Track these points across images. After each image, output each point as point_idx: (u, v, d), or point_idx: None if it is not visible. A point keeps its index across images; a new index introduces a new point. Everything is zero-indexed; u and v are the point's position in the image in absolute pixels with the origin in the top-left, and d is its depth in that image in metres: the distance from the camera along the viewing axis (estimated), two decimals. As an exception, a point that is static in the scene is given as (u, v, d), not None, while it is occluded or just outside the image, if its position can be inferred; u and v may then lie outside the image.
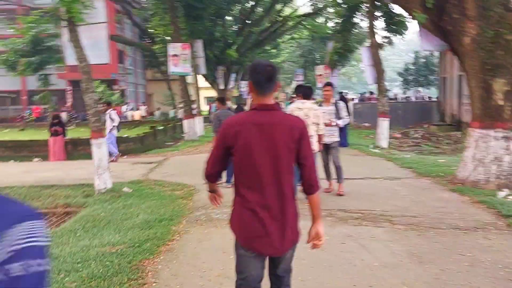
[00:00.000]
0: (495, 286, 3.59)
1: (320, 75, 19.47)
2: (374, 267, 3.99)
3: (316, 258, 4.21)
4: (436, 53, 26.34)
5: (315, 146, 5.94)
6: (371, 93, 29.33)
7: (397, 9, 15.41)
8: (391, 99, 26.19)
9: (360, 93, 35.30)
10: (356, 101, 27.55)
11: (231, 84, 27.52)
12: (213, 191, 2.71)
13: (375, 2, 13.98)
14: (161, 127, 18.61)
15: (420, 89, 35.31)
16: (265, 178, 2.28)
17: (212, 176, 2.52)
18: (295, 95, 7.25)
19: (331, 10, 24.70)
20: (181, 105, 20.99)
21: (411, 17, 8.43)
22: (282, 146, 2.27)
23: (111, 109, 12.08)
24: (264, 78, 2.31)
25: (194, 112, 18.20)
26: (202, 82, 24.78)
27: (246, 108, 22.76)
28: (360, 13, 18.22)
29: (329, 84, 6.95)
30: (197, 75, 18.94)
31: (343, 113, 6.80)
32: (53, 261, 4.22)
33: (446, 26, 7.56)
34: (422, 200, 6.41)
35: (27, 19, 14.83)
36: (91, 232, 5.21)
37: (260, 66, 2.35)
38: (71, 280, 3.77)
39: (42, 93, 21.10)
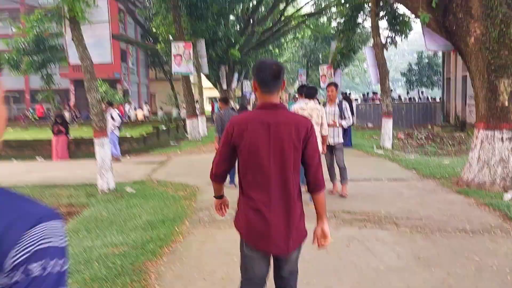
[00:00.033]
0: (503, 290, 3.54)
1: (323, 75, 19.39)
2: (379, 270, 3.94)
3: (321, 260, 4.16)
4: (440, 54, 26.22)
5: (320, 148, 5.89)
6: (375, 93, 29.22)
7: (401, 8, 15.37)
8: (395, 99, 26.10)
9: (363, 94, 35.18)
10: (359, 101, 27.43)
11: (234, 84, 27.48)
12: (219, 196, 2.64)
13: (379, 2, 13.90)
14: (164, 127, 18.58)
15: (423, 89, 35.14)
16: (271, 177, 2.26)
17: (218, 176, 2.47)
18: (298, 95, 7.19)
19: (334, 9, 24.68)
20: (184, 105, 20.97)
21: (415, 16, 8.36)
22: (289, 145, 2.25)
23: (112, 109, 11.98)
24: (269, 77, 2.30)
25: (197, 112, 18.16)
26: (205, 82, 24.73)
27: (249, 108, 22.73)
28: (363, 13, 18.20)
29: (333, 84, 6.89)
30: (199, 74, 18.90)
31: (347, 113, 6.74)
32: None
33: (451, 25, 7.50)
34: (427, 202, 6.35)
35: (30, 18, 14.84)
36: (93, 233, 5.18)
37: (265, 65, 2.33)
38: (74, 281, 3.74)
39: (45, 92, 21.11)
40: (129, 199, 6.95)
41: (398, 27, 14.83)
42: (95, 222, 5.62)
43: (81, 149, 13.51)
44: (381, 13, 14.65)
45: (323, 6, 27.38)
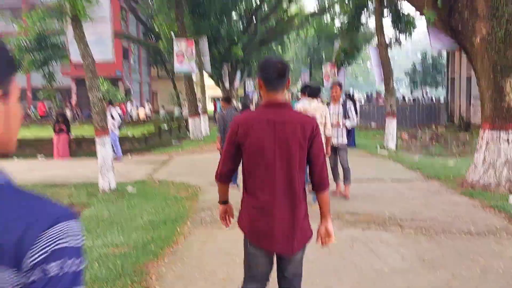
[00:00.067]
0: (510, 294, 3.47)
1: (327, 74, 19.31)
2: (383, 272, 3.87)
3: (324, 261, 4.10)
4: (444, 54, 26.10)
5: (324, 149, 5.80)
6: (378, 93, 29.12)
7: (405, 7, 15.27)
8: (399, 99, 25.99)
9: (367, 93, 35.08)
10: (362, 101, 27.33)
11: (237, 82, 27.42)
12: (224, 201, 2.57)
13: (383, 1, 13.81)
14: (166, 126, 18.53)
15: (427, 89, 35.03)
16: (276, 176, 2.24)
17: (223, 176, 2.43)
18: (301, 94, 7.10)
19: (337, 8, 24.59)
20: (186, 104, 20.92)
21: (420, 15, 8.28)
22: (294, 144, 2.24)
23: (112, 108, 11.87)
24: (275, 75, 2.28)
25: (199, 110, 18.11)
26: (207, 80, 24.68)
27: (252, 107, 22.67)
28: (367, 12, 18.10)
29: (337, 83, 6.80)
30: (202, 73, 18.84)
31: (352, 113, 6.65)
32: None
33: (456, 25, 7.42)
34: (432, 203, 6.28)
35: (32, 16, 14.80)
36: (94, 233, 5.13)
37: (270, 63, 2.31)
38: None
39: (47, 90, 21.08)
40: (130, 199, 6.90)
41: (402, 26, 14.72)
42: (96, 222, 5.57)
43: (82, 148, 13.48)
44: (385, 12, 14.54)
45: (326, 5, 27.29)
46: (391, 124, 13.16)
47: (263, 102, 2.35)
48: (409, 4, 8.77)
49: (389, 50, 14.06)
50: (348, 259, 4.19)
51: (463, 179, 7.55)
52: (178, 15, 16.87)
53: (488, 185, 6.93)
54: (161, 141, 16.15)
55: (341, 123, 6.52)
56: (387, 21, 16.16)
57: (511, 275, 3.78)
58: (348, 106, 6.65)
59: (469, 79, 18.98)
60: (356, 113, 9.11)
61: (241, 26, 26.26)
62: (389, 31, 16.42)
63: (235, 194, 2.51)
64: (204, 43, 18.13)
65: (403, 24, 14.95)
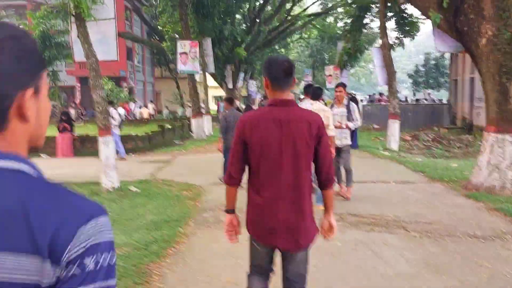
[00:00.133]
0: (517, 300, 3.43)
1: (330, 75, 19.27)
2: (388, 276, 3.83)
3: (327, 264, 4.07)
4: (447, 55, 26.02)
5: None
6: (381, 94, 29.03)
7: (409, 9, 15.23)
8: (401, 101, 25.91)
9: (370, 95, 35.00)
10: (365, 102, 27.26)
11: (240, 83, 27.37)
12: (231, 210, 2.51)
13: (387, 3, 13.76)
14: (169, 126, 18.51)
15: (429, 91, 34.89)
16: (282, 173, 2.25)
17: (233, 177, 2.40)
18: (305, 95, 7.06)
19: (340, 9, 24.53)
20: (189, 104, 20.89)
21: (425, 17, 8.23)
22: (301, 142, 2.24)
23: (112, 108, 11.81)
24: (281, 74, 2.28)
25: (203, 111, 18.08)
26: (210, 81, 24.65)
27: (255, 107, 22.62)
28: (370, 13, 18.06)
29: (341, 84, 6.76)
30: (205, 73, 18.82)
31: (355, 115, 6.60)
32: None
33: (462, 26, 7.36)
34: (436, 206, 6.23)
35: (37, 15, 14.81)
36: (96, 233, 5.10)
37: (277, 62, 2.31)
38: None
39: (51, 89, 21.11)
40: (133, 198, 6.89)
41: (406, 28, 14.67)
42: (98, 222, 5.54)
43: (86, 147, 13.45)
44: (389, 14, 14.50)
45: (330, 6, 27.23)
46: (394, 126, 13.10)
47: (269, 100, 2.35)
48: (413, 6, 8.74)
49: (391, 51, 14.01)
50: (352, 263, 4.16)
51: (467, 181, 7.50)
52: (182, 15, 16.85)
53: (492, 188, 6.88)
54: (164, 141, 16.11)
55: (343, 125, 6.47)
56: (390, 23, 16.10)
57: (518, 280, 3.74)
58: (351, 107, 6.60)
59: (472, 81, 18.90)
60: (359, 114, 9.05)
61: (245, 27, 26.23)
62: (392, 32, 16.34)
63: (243, 194, 2.47)
64: (208, 44, 18.11)
65: (407, 25, 14.91)
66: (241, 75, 27.22)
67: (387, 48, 13.51)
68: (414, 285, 3.66)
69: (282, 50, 35.19)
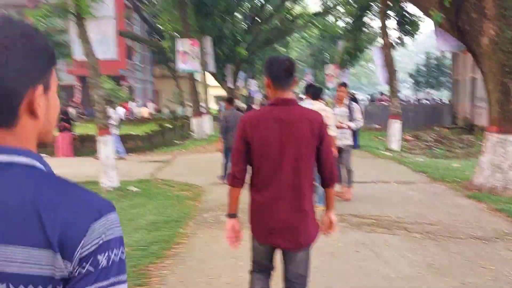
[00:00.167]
0: (520, 302, 3.38)
1: (331, 74, 19.22)
2: (390, 278, 3.79)
3: (329, 266, 4.03)
4: (448, 55, 25.96)
5: None
6: (382, 94, 29.00)
7: (410, 8, 15.17)
8: (402, 100, 25.87)
9: (370, 94, 34.95)
10: (366, 102, 27.21)
11: (240, 82, 27.32)
12: (233, 215, 2.47)
13: (388, 2, 13.71)
14: (169, 125, 18.47)
15: (430, 90, 34.84)
16: (283, 172, 2.25)
17: (237, 177, 2.36)
18: (306, 95, 7.01)
19: (341, 9, 24.47)
20: (189, 103, 20.84)
21: (427, 16, 8.17)
22: (302, 141, 2.24)
23: (110, 107, 11.72)
24: (282, 73, 2.28)
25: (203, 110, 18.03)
26: (211, 80, 24.59)
27: (256, 107, 22.55)
28: (371, 13, 18.01)
29: (343, 84, 6.71)
30: (205, 72, 18.77)
31: (357, 115, 6.54)
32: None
33: (464, 25, 7.31)
34: (438, 207, 6.19)
35: (36, 14, 14.73)
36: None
37: (278, 61, 2.31)
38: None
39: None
40: (133, 198, 6.84)
41: (407, 27, 14.62)
42: (98, 222, 5.50)
43: (85, 146, 13.41)
44: (390, 13, 14.44)
45: (330, 5, 27.16)
46: (395, 126, 13.06)
47: (270, 100, 2.35)
48: (414, 5, 8.69)
49: (392, 50, 13.96)
50: (353, 264, 4.11)
51: (468, 181, 7.46)
52: (182, 14, 16.81)
53: (494, 188, 6.84)
54: (164, 140, 16.08)
55: (345, 125, 6.41)
56: (391, 22, 16.05)
57: (521, 282, 3.69)
58: (353, 107, 6.55)
59: (473, 81, 18.86)
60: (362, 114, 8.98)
61: (245, 26, 26.18)
62: (393, 32, 16.29)
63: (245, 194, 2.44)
64: (208, 43, 18.05)
65: (408, 25, 14.85)
66: (242, 74, 27.18)
67: (388, 48, 13.46)
68: (416, 287, 3.62)
69: (283, 49, 35.12)
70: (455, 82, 22.27)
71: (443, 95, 38.99)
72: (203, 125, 17.48)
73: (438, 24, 7.75)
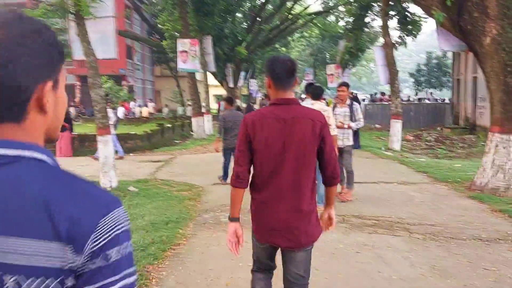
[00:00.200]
0: (525, 305, 3.33)
1: (331, 74, 19.15)
2: (392, 280, 3.74)
3: (330, 268, 3.98)
4: (450, 54, 25.90)
5: None
6: (383, 93, 28.94)
7: (411, 8, 15.11)
8: (403, 100, 25.81)
9: (371, 94, 34.89)
10: (367, 101, 27.16)
11: (241, 82, 27.27)
12: (235, 218, 2.42)
13: (389, 1, 13.64)
14: (169, 125, 18.42)
15: (432, 90, 34.77)
16: (284, 171, 2.24)
17: (240, 177, 2.32)
18: (306, 95, 6.96)
19: (342, 8, 24.41)
20: (189, 103, 20.79)
21: (429, 15, 8.11)
22: (304, 141, 2.24)
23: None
24: (284, 73, 2.28)
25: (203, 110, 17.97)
26: (211, 79, 24.53)
27: (256, 107, 22.50)
28: (372, 12, 17.96)
29: (344, 84, 6.65)
30: (206, 72, 18.71)
31: (359, 115, 6.48)
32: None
33: (466, 25, 7.25)
34: (440, 207, 6.13)
35: (36, 13, 14.69)
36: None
37: (279, 61, 2.30)
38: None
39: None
40: (132, 198, 6.79)
41: (408, 27, 14.56)
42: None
43: (85, 146, 13.37)
44: (391, 13, 14.38)
45: (331, 4, 27.11)
46: (396, 126, 13.00)
47: (271, 100, 2.34)
48: (415, 5, 8.62)
49: (393, 50, 13.90)
50: (355, 266, 4.06)
51: (471, 182, 7.40)
52: (182, 13, 16.75)
53: (497, 189, 6.78)
54: (164, 140, 16.03)
55: (345, 125, 6.35)
56: (392, 22, 16.00)
57: (525, 284, 3.64)
58: (354, 107, 6.48)
59: (474, 81, 18.79)
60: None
61: (245, 26, 26.13)
62: (394, 31, 16.23)
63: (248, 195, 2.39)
64: (208, 42, 18.00)
65: (409, 24, 14.79)
66: (242, 74, 27.13)
67: (389, 47, 13.39)
68: (419, 290, 3.57)
69: (283, 49, 35.08)
70: (457, 81, 22.20)
71: (444, 95, 38.93)
72: (204, 125, 17.43)
73: (440, 24, 7.68)
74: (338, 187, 6.62)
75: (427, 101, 26.30)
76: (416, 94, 35.34)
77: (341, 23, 27.63)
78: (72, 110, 23.32)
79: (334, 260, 4.19)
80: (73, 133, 13.16)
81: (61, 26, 16.24)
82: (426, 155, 12.48)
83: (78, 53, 7.84)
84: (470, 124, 18.92)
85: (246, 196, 2.41)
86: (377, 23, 32.60)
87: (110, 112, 11.55)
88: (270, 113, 2.28)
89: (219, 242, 4.73)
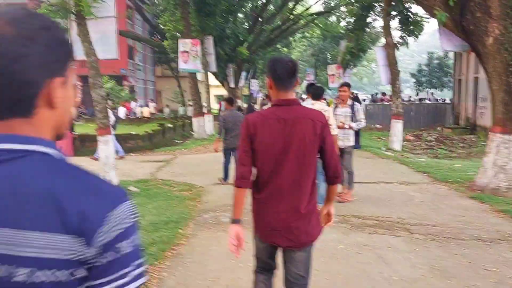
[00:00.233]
0: (526, 306, 3.32)
1: (332, 74, 19.14)
2: (393, 281, 3.73)
3: (331, 268, 3.97)
4: (451, 54, 25.87)
5: None
6: (384, 94, 28.91)
7: (413, 8, 15.08)
8: (404, 100, 25.78)
9: (372, 94, 34.87)
10: (368, 102, 27.13)
11: (242, 82, 27.26)
12: (237, 220, 2.39)
13: (391, 1, 13.63)
14: (170, 125, 18.42)
15: (433, 90, 34.73)
16: (286, 173, 2.26)
17: (245, 179, 2.31)
18: (307, 95, 6.94)
19: (343, 8, 24.40)
20: (190, 103, 20.78)
21: (430, 15, 8.10)
22: (305, 141, 2.25)
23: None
24: (285, 75, 2.29)
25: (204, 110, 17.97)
26: (212, 80, 24.53)
27: (257, 107, 22.48)
28: (374, 12, 17.94)
29: (346, 84, 6.63)
30: (207, 72, 18.71)
31: (360, 115, 6.46)
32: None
33: (468, 25, 7.23)
34: (440, 208, 6.12)
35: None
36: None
37: (280, 62, 2.31)
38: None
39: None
40: (132, 198, 6.77)
41: (410, 27, 14.54)
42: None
43: (86, 146, 13.38)
44: (393, 13, 14.36)
45: (332, 5, 27.10)
46: (397, 126, 12.98)
47: (273, 101, 2.36)
48: (418, 5, 8.60)
49: (396, 50, 13.88)
50: (355, 266, 4.05)
51: (471, 182, 7.38)
52: (184, 14, 16.75)
53: (498, 189, 6.76)
54: (165, 140, 16.04)
55: (347, 125, 6.33)
56: (394, 22, 15.96)
57: (526, 285, 3.63)
58: (356, 108, 6.46)
59: (476, 81, 18.76)
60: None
61: (247, 26, 26.11)
62: (396, 32, 16.25)
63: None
64: (210, 42, 17.99)
65: (411, 25, 14.77)
66: (243, 74, 27.12)
67: (391, 47, 13.38)
68: (420, 290, 3.56)
69: (285, 49, 35.05)
70: (458, 82, 22.17)
71: (445, 95, 38.88)
72: (204, 125, 17.43)
73: (442, 24, 7.66)
74: (339, 187, 6.62)
75: (427, 101, 26.25)
76: (417, 94, 35.31)
77: (343, 23, 27.67)
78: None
79: (334, 260, 4.18)
80: (74, 133, 13.17)
81: (62, 27, 16.27)
82: (426, 155, 12.45)
83: (79, 53, 7.84)
84: (470, 124, 18.89)
85: (247, 196, 2.41)
86: (379, 23, 32.66)
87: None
88: (271, 114, 2.30)
89: (219, 242, 4.73)
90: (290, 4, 26.55)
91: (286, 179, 2.26)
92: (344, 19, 25.47)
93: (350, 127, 6.37)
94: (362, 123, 6.49)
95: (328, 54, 35.72)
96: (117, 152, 10.33)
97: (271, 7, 26.79)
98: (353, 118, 6.39)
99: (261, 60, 28.60)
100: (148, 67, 39.31)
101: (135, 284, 0.82)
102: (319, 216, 2.44)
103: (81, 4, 6.93)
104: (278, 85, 2.30)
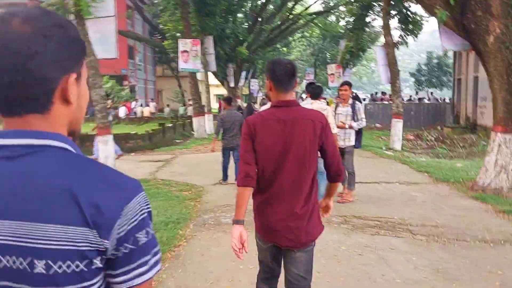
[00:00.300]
0: (530, 308, 3.28)
1: (332, 74, 19.10)
2: (396, 283, 3.68)
3: (332, 270, 3.93)
4: (450, 54, 25.82)
5: None
6: (384, 93, 28.88)
7: (413, 7, 15.05)
8: (406, 100, 25.74)
9: (372, 94, 34.84)
10: (368, 101, 27.10)
11: (242, 82, 27.22)
12: (240, 221, 2.32)
13: (390, 1, 13.58)
14: (170, 124, 18.38)
15: (433, 90, 34.69)
16: (286, 173, 2.26)
17: (250, 177, 2.28)
18: (307, 94, 6.89)
19: (343, 8, 24.35)
20: (190, 102, 20.74)
21: (430, 14, 8.05)
22: (305, 142, 2.26)
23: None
24: (285, 76, 2.31)
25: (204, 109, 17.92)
26: (212, 79, 24.48)
27: (257, 106, 22.44)
28: (373, 12, 17.91)
29: (346, 83, 6.58)
30: (207, 72, 18.67)
31: (361, 114, 6.41)
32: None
33: (469, 24, 7.18)
34: (442, 208, 6.08)
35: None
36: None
37: (280, 64, 2.34)
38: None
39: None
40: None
41: (410, 26, 14.51)
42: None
43: (85, 146, 13.32)
44: (393, 12, 14.32)
45: (332, 4, 27.05)
46: (397, 125, 12.94)
47: (273, 102, 2.38)
48: (417, 3, 8.56)
49: (396, 49, 13.84)
50: (357, 268, 4.01)
51: (473, 182, 7.34)
52: (184, 13, 16.71)
53: (500, 189, 6.72)
54: (165, 140, 15.98)
55: (346, 125, 6.28)
56: (393, 21, 15.93)
57: (530, 287, 3.59)
58: (357, 107, 6.41)
59: (476, 80, 18.71)
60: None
61: (247, 26, 26.07)
62: (395, 31, 16.19)
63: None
64: (209, 42, 17.95)
65: (410, 24, 14.74)
66: (243, 73, 27.08)
67: (390, 47, 13.33)
68: (423, 293, 3.51)
69: (284, 49, 35.02)
70: (458, 81, 22.12)
71: (445, 95, 38.85)
72: (204, 124, 17.39)
73: (443, 23, 7.61)
74: (340, 187, 6.58)
75: (426, 101, 26.21)
76: (417, 93, 35.27)
77: (342, 23, 27.61)
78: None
79: (336, 262, 4.14)
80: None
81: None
82: (427, 154, 12.41)
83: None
84: (470, 124, 18.83)
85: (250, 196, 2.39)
86: (378, 22, 32.60)
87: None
88: (271, 115, 2.32)
89: (219, 243, 4.69)
90: (290, 4, 26.50)
91: (286, 180, 2.27)
92: (343, 18, 25.40)
93: (351, 127, 6.33)
94: (363, 123, 6.44)
95: (328, 53, 35.69)
96: (115, 151, 10.27)
97: (271, 7, 26.73)
98: (354, 117, 6.34)
99: (261, 60, 28.57)
100: (149, 67, 39.25)
101: (153, 271, 0.86)
102: (319, 216, 2.44)
103: (80, 4, 6.89)
104: (277, 87, 2.32)
